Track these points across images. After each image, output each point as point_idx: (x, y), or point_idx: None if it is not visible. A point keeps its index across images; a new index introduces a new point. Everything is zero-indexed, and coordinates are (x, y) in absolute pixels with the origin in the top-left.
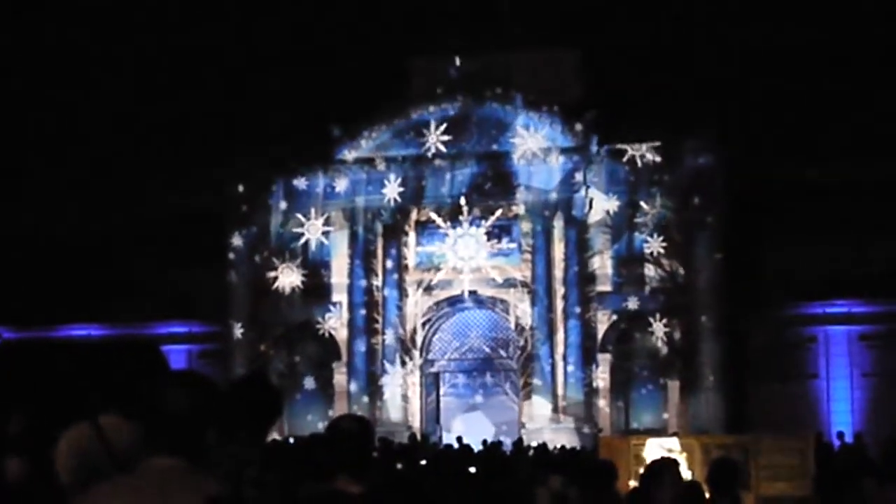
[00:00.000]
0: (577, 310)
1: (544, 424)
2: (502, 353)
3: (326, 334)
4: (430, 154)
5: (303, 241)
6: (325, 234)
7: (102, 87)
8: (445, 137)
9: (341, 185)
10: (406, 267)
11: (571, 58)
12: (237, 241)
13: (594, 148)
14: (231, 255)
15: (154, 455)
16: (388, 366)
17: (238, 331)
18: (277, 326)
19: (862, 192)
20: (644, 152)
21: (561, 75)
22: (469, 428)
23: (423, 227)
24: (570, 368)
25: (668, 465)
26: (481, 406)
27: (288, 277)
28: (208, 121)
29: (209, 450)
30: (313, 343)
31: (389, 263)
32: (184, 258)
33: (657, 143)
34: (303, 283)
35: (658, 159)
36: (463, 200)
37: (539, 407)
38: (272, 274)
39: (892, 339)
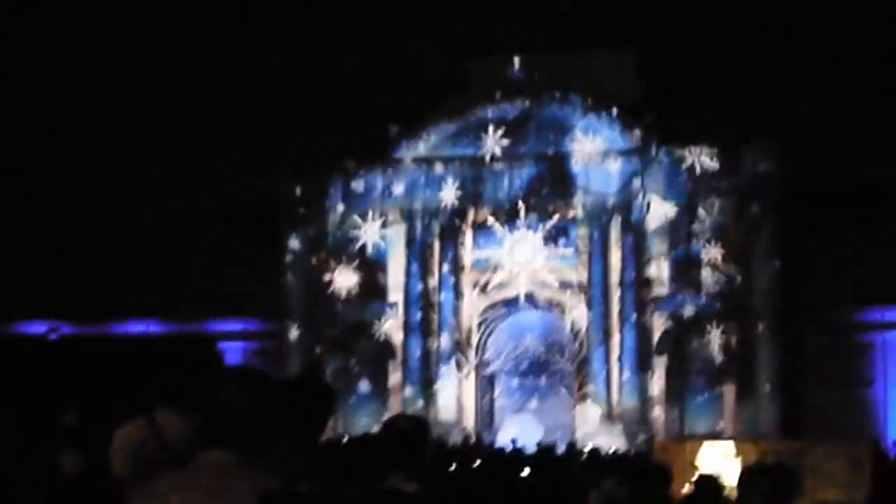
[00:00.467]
0: (634, 314)
1: (598, 429)
2: (557, 356)
3: (382, 336)
4: (488, 155)
5: (360, 242)
6: (382, 234)
7: (162, 82)
8: (504, 139)
9: (399, 185)
10: (462, 268)
11: (630, 59)
12: (294, 242)
13: (653, 151)
14: (288, 257)
15: (208, 449)
16: (442, 367)
17: (293, 332)
18: (333, 327)
19: None
20: (703, 156)
21: (620, 77)
22: (521, 430)
23: (481, 229)
24: (625, 373)
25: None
26: (535, 409)
27: (344, 278)
28: (266, 118)
29: (263, 445)
30: (368, 344)
31: (446, 265)
32: (240, 256)
33: (716, 149)
34: (359, 283)
35: (717, 165)
36: (520, 202)
37: (593, 411)
38: (328, 275)
39: None
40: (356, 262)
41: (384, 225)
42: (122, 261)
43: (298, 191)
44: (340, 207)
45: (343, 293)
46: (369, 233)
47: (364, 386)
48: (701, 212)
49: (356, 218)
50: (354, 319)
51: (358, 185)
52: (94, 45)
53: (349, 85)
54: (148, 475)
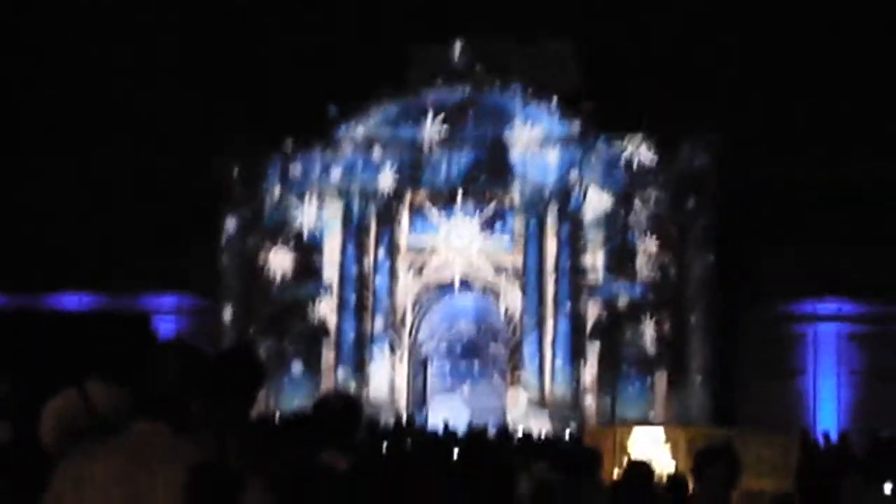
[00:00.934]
0: (568, 301)
1: (529, 414)
2: (490, 340)
3: (316, 317)
4: (427, 140)
5: (296, 222)
6: (319, 215)
7: (101, 60)
8: (444, 124)
9: (337, 166)
10: (398, 251)
11: (570, 48)
12: (230, 222)
13: (591, 140)
14: (223, 237)
15: (142, 419)
16: (376, 349)
17: (227, 311)
18: (267, 307)
19: (855, 193)
20: (640, 147)
21: (560, 66)
22: (453, 413)
23: (418, 212)
24: (558, 359)
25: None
26: (466, 392)
27: (279, 258)
28: (207, 96)
29: (194, 417)
30: (302, 324)
31: (382, 247)
32: (177, 232)
33: (654, 140)
34: (294, 264)
35: (655, 156)
36: (458, 187)
37: (524, 396)
38: (264, 255)
39: (880, 339)
40: (292, 243)
41: (321, 206)
42: (57, 232)
43: (236, 171)
44: (278, 188)
45: (278, 274)
46: (306, 214)
47: (297, 366)
48: (637, 202)
49: (293, 198)
50: (289, 300)
51: (296, 166)
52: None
53: (289, 65)
54: (77, 446)
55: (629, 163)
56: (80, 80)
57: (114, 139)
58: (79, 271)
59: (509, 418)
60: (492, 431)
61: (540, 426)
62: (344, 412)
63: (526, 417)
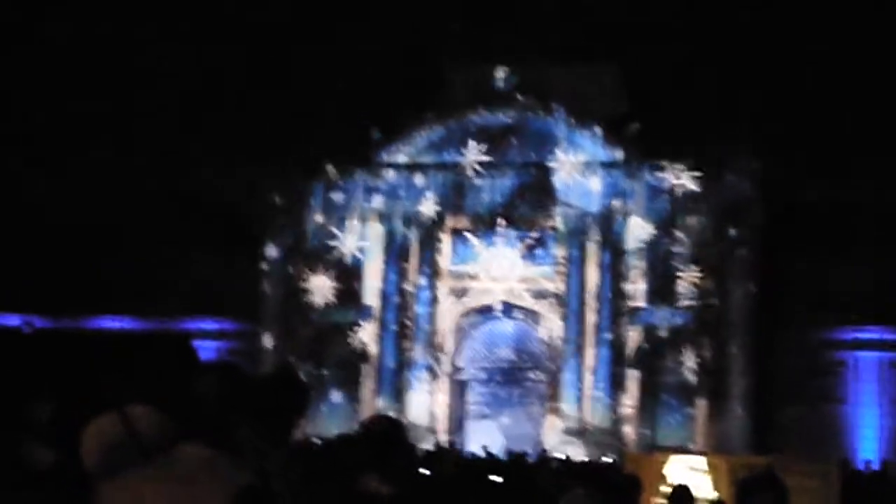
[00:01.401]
0: (608, 328)
1: (567, 441)
2: (530, 366)
3: (356, 342)
4: (469, 164)
5: (337, 247)
6: (360, 240)
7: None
8: (486, 149)
9: (379, 191)
10: (439, 275)
11: (614, 73)
12: (271, 249)
13: (634, 166)
14: (264, 264)
15: (185, 443)
16: (416, 374)
17: (268, 336)
18: (307, 331)
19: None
20: (683, 175)
21: (603, 91)
22: (492, 439)
23: (459, 237)
24: (598, 386)
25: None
26: (505, 418)
27: (320, 283)
28: (247, 119)
29: (239, 441)
30: (342, 350)
31: (423, 272)
32: (218, 255)
33: (696, 168)
34: (335, 289)
35: (697, 184)
36: (500, 212)
37: (563, 423)
38: (305, 280)
39: None
40: (333, 269)
41: (362, 231)
42: (99, 256)
43: (278, 198)
44: (320, 212)
45: (319, 299)
46: (347, 239)
47: (336, 392)
48: (679, 230)
49: (335, 224)
50: (329, 325)
51: (338, 191)
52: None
53: (332, 88)
54: (119, 469)
55: (672, 191)
56: (129, 103)
57: (157, 162)
58: (120, 296)
59: (547, 445)
60: (531, 458)
61: (578, 454)
62: (388, 436)
63: (564, 445)
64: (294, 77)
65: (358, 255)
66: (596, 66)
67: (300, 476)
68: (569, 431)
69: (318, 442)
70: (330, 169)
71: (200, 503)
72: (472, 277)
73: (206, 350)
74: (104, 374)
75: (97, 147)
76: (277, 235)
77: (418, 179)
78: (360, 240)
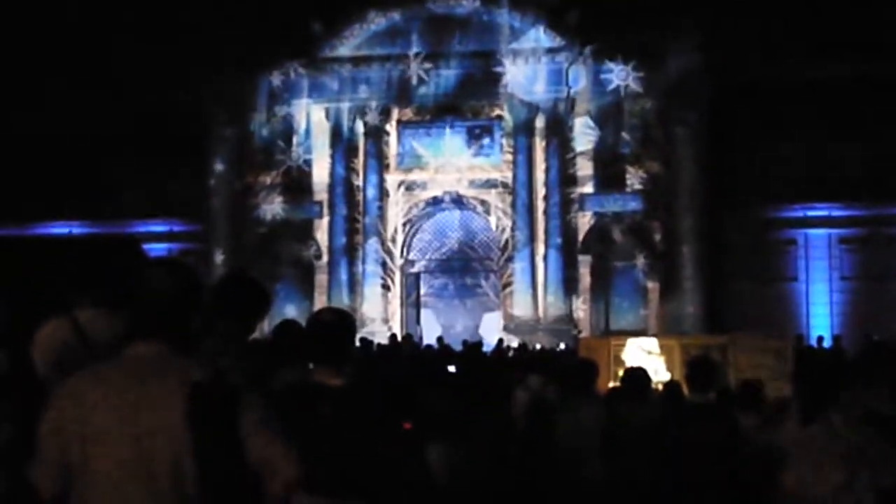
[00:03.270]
0: (558, 213)
1: (524, 325)
2: (482, 254)
3: (307, 238)
4: (413, 55)
5: (283, 143)
6: (307, 133)
7: None
8: (430, 38)
9: (323, 83)
10: (388, 167)
11: None
12: (218, 147)
13: (577, 48)
14: (212, 163)
15: (138, 341)
16: (368, 266)
17: (219, 238)
18: (259, 228)
19: (843, 92)
20: (627, 55)
21: None
22: (446, 329)
23: (406, 127)
24: (551, 272)
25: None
26: (460, 308)
27: (269, 177)
28: (185, 15)
29: (193, 337)
30: (294, 246)
31: (371, 165)
32: (165, 159)
33: (638, 53)
34: (284, 185)
35: (639, 70)
36: (446, 103)
37: (519, 308)
38: (252, 179)
39: (871, 243)
40: (280, 167)
41: (308, 123)
42: (44, 161)
43: (223, 91)
44: (263, 111)
45: (268, 197)
46: (294, 136)
47: (290, 286)
48: (625, 114)
49: (280, 120)
50: (280, 223)
51: (281, 86)
52: None
53: None
54: (71, 371)
55: (615, 76)
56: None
57: (99, 66)
58: (69, 201)
59: (503, 333)
60: (486, 346)
61: (534, 340)
62: (338, 328)
63: (518, 333)
64: None
65: (304, 151)
66: None
67: (253, 371)
68: (522, 319)
69: (271, 331)
70: (272, 63)
71: (154, 400)
72: (421, 169)
73: (156, 252)
74: (54, 278)
75: (36, 44)
76: (222, 134)
77: (363, 73)
78: (306, 136)
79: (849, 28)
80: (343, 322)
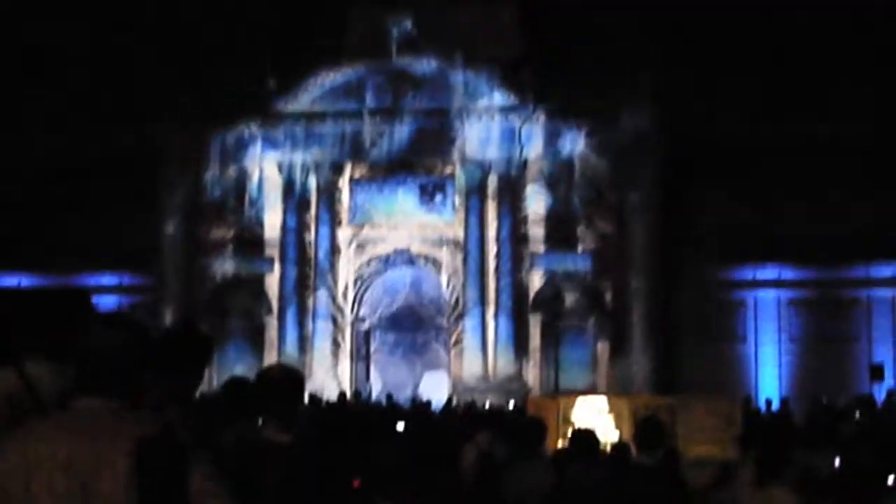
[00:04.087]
0: (510, 271)
1: (473, 383)
2: (433, 311)
3: (258, 291)
4: (367, 111)
5: (237, 197)
6: (260, 188)
7: (35, 28)
8: (384, 94)
9: (277, 138)
10: (339, 223)
11: (509, 14)
12: (170, 200)
13: (531, 107)
14: (165, 214)
15: (84, 396)
16: (319, 322)
17: (170, 288)
18: (210, 282)
19: (792, 154)
20: (581, 115)
21: (499, 32)
22: (396, 386)
23: (358, 183)
24: (501, 330)
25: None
26: (410, 365)
27: (221, 231)
28: (142, 68)
29: (140, 392)
30: (245, 297)
31: (323, 220)
32: (116, 210)
33: (592, 111)
34: (236, 237)
35: (595, 123)
36: (399, 159)
37: (468, 366)
38: (206, 231)
39: (820, 305)
40: (232, 220)
41: (262, 178)
42: None
43: (177, 145)
44: (218, 159)
45: (220, 249)
46: (247, 190)
47: (240, 343)
48: (578, 169)
49: (233, 174)
50: (231, 277)
51: (236, 140)
52: None
53: (227, 38)
54: (18, 424)
55: (569, 134)
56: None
57: (51, 115)
58: (17, 252)
59: (453, 391)
60: (436, 404)
61: (484, 398)
62: (285, 384)
63: (467, 391)
64: (189, 28)
65: (257, 205)
66: (493, 7)
67: (202, 427)
68: (472, 378)
69: (220, 387)
70: (227, 117)
71: (102, 456)
72: (373, 225)
73: (107, 304)
74: (1, 330)
75: None
76: (175, 186)
77: (316, 129)
78: (259, 191)
79: (798, 90)
80: (292, 379)
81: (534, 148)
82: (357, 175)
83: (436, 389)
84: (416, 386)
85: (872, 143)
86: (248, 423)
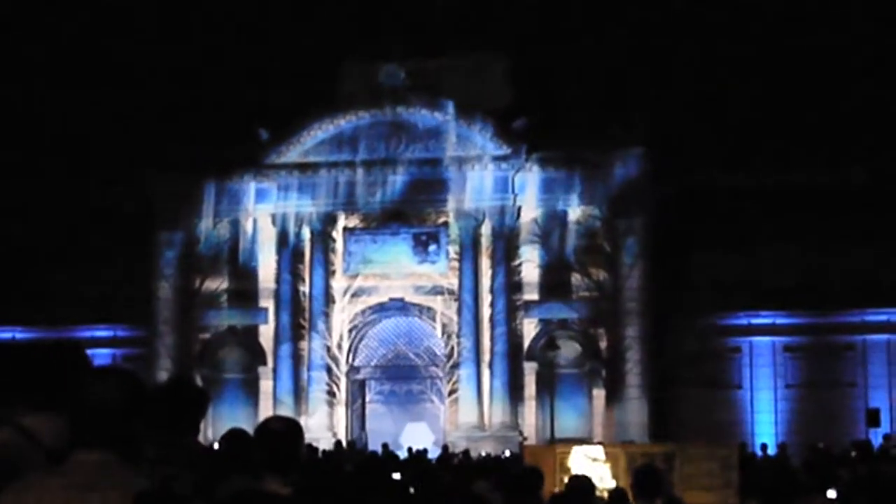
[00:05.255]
0: (504, 320)
1: (469, 432)
2: (428, 360)
3: (253, 343)
4: (360, 161)
5: (231, 248)
6: (254, 239)
7: (26, 82)
8: (376, 145)
9: (270, 190)
10: (333, 273)
11: (501, 64)
12: (164, 252)
13: (524, 158)
14: (160, 267)
15: (82, 450)
16: (313, 372)
17: (164, 339)
18: (204, 333)
19: (789, 202)
20: (574, 164)
21: (491, 82)
22: (393, 436)
23: (352, 233)
24: (496, 378)
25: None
26: (406, 414)
27: (215, 285)
28: (134, 121)
29: (137, 445)
30: (240, 348)
31: (318, 271)
32: (109, 263)
33: (585, 160)
34: (230, 290)
35: (588, 172)
36: (392, 209)
37: (464, 415)
38: (199, 282)
39: (815, 351)
40: (226, 270)
41: (255, 229)
42: None
43: (168, 203)
44: (212, 211)
45: (214, 300)
46: (241, 241)
47: (235, 393)
48: (571, 218)
49: (227, 225)
50: (225, 328)
51: (229, 191)
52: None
53: (220, 86)
54: (17, 478)
55: (563, 179)
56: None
57: (38, 162)
58: (11, 306)
59: (449, 439)
60: (433, 453)
61: (480, 446)
62: (285, 436)
63: (463, 440)
64: (182, 80)
65: (251, 256)
66: (485, 58)
67: (200, 480)
68: (468, 426)
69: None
70: (220, 169)
71: None
72: (367, 275)
73: (101, 357)
74: None
75: None
76: (169, 239)
77: (309, 179)
78: (252, 242)
79: (793, 139)
80: (291, 431)
81: (527, 197)
82: (351, 225)
83: (431, 438)
84: (412, 434)
85: (866, 191)
86: (247, 476)
